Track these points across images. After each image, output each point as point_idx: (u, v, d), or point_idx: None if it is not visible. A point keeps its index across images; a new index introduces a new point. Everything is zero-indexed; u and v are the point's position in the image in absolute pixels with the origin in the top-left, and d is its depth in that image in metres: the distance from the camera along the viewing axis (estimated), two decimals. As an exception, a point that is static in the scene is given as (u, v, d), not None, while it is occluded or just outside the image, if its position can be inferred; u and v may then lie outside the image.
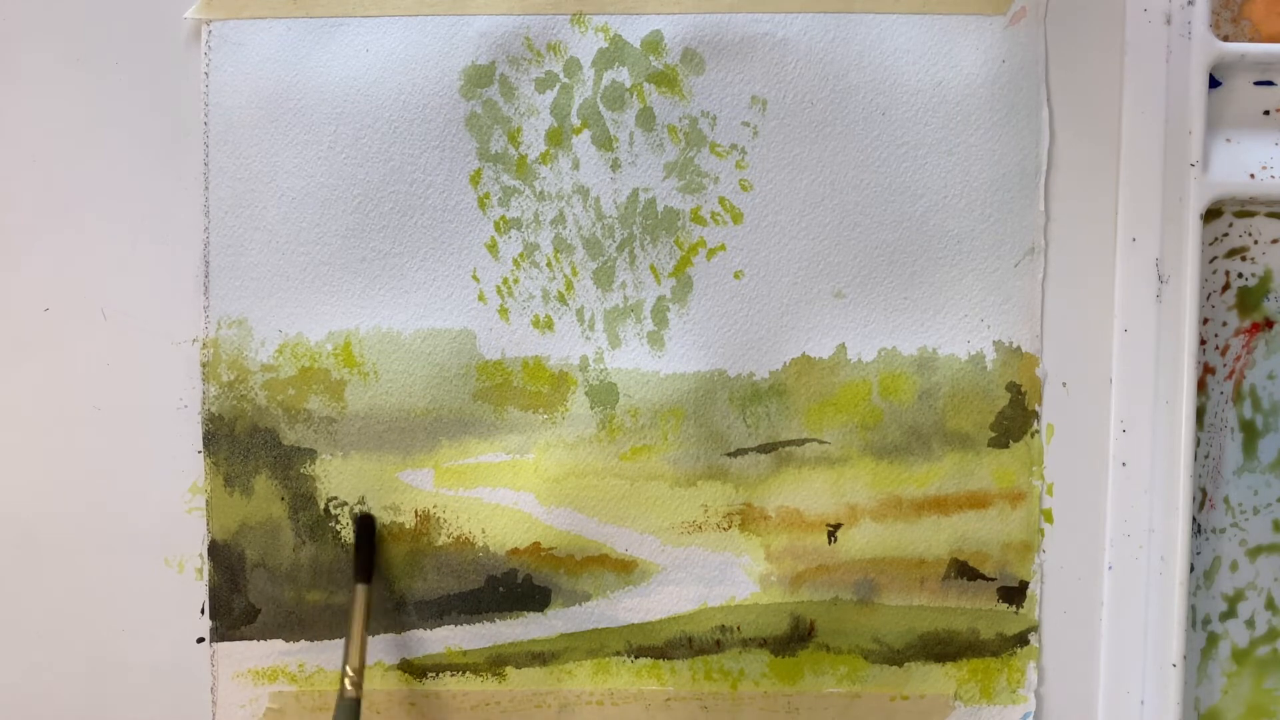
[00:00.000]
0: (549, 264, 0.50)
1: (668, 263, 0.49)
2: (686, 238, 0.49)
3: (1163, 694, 0.50)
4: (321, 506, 0.50)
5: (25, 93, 0.50)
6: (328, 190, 0.49)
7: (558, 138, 0.49)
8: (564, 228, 0.49)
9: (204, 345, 0.50)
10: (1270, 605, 0.51)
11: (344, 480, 0.50)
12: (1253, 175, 0.49)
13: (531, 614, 0.50)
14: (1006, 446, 0.50)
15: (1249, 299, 0.51)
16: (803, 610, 0.50)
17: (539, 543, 0.50)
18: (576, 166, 0.49)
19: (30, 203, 0.50)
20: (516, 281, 0.50)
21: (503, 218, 0.49)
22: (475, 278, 0.50)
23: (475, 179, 0.49)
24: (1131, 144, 0.49)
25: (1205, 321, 0.50)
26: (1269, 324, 0.51)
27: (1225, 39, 0.49)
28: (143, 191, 0.50)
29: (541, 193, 0.49)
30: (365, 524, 0.50)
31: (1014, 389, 0.50)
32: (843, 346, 0.50)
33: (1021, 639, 0.51)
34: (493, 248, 0.50)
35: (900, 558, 0.50)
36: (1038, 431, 0.50)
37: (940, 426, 0.50)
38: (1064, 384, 0.50)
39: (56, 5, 0.49)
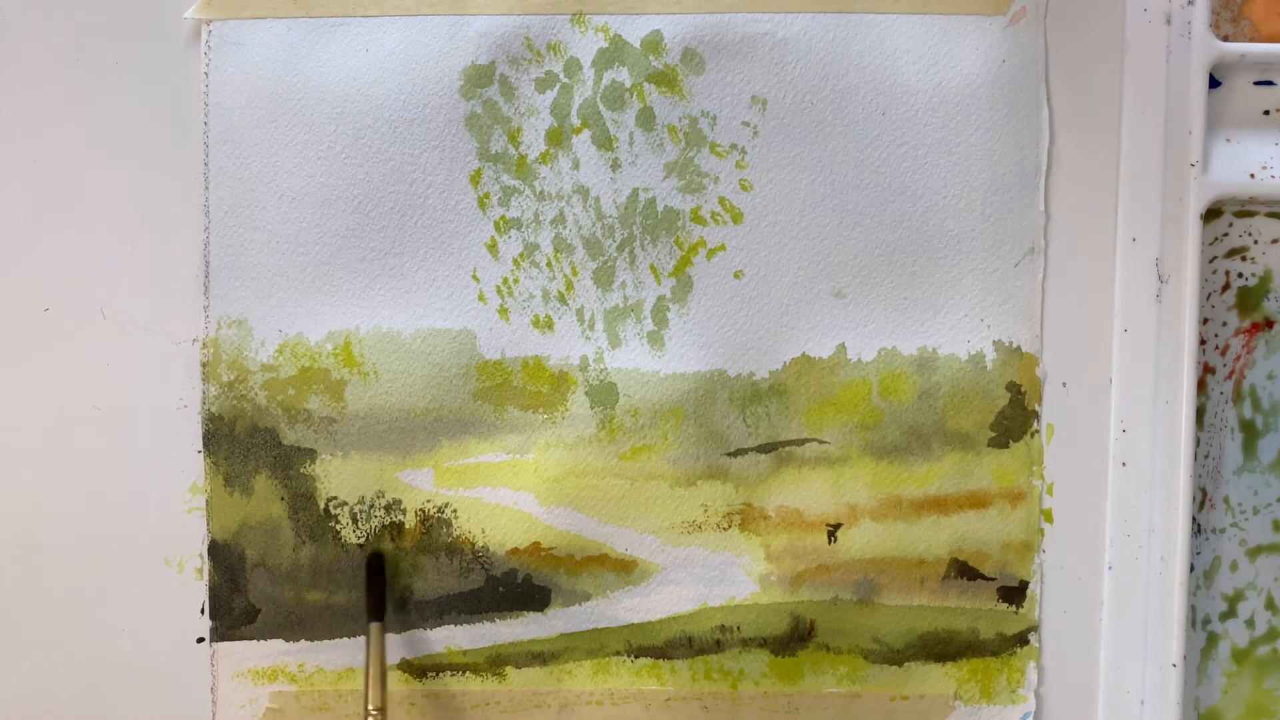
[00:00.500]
0: (549, 264, 0.50)
1: (668, 263, 0.49)
2: (686, 238, 0.49)
3: (1163, 694, 0.50)
4: (321, 506, 0.50)
5: (25, 93, 0.50)
6: (328, 190, 0.49)
7: (558, 138, 0.49)
8: (564, 228, 0.49)
9: (204, 345, 0.50)
10: (1270, 605, 0.51)
11: (344, 480, 0.50)
12: (1253, 175, 0.49)
13: (531, 614, 0.50)
14: (1006, 446, 0.50)
15: (1249, 299, 0.51)
16: (803, 610, 0.50)
17: (539, 542, 0.50)
18: (576, 166, 0.49)
19: (30, 203, 0.50)
20: (516, 281, 0.50)
21: (503, 218, 0.49)
22: (475, 278, 0.50)
23: (475, 179, 0.49)
24: (1131, 144, 0.49)
25: (1205, 321, 0.50)
26: (1269, 324, 0.51)
27: (1225, 39, 0.49)
28: (143, 191, 0.50)
29: (541, 193, 0.49)
30: (375, 562, 0.49)
31: (1014, 389, 0.50)
32: (843, 346, 0.50)
33: (1021, 639, 0.51)
34: (493, 248, 0.49)
35: (900, 558, 0.50)
36: (1038, 431, 0.50)
37: (940, 426, 0.50)
38: (1064, 384, 0.50)
39: (56, 5, 0.49)
